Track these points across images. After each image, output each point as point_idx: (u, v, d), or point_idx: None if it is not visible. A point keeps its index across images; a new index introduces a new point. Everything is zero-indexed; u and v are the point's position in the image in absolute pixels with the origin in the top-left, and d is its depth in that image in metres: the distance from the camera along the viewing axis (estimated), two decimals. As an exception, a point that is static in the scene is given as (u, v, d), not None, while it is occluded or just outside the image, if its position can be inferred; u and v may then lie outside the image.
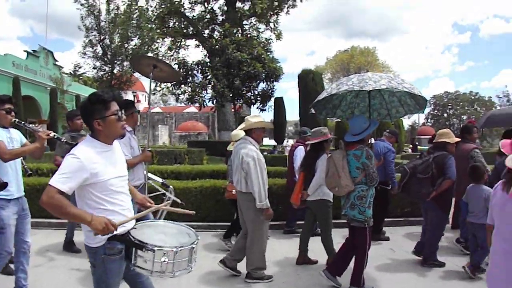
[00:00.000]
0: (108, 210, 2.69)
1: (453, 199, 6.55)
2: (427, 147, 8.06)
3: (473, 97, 66.79)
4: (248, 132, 5.20)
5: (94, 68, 30.37)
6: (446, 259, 5.92)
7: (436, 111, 68.90)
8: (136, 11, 27.77)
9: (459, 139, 6.26)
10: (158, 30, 28.40)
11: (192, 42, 31.82)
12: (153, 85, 5.72)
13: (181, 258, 2.66)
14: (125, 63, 29.17)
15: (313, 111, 6.05)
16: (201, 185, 8.07)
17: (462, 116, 66.31)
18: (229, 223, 6.87)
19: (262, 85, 25.16)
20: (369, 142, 5.48)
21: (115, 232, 2.61)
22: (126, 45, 28.68)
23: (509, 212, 2.71)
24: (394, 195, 6.94)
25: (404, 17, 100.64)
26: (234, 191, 5.60)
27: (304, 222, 6.16)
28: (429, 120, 68.89)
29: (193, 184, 8.08)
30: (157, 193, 6.59)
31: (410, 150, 31.50)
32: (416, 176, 5.67)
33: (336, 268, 5.01)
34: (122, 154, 3.03)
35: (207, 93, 24.66)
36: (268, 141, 36.83)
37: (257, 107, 25.79)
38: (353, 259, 4.91)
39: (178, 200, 6.43)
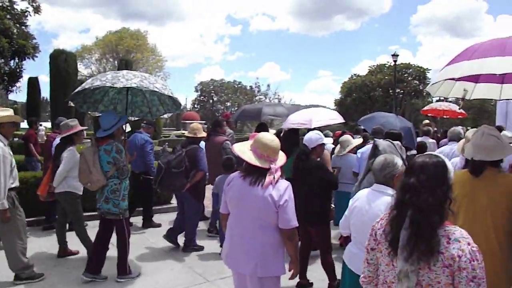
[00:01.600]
0: None
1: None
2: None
3: (236, 86, 72.69)
4: (-4, 126, 5.05)
5: None
6: (204, 243, 6.84)
7: (202, 97, 72.90)
8: None
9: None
10: None
11: None
12: None
13: None
14: None
15: (72, 104, 6.15)
16: None
17: (226, 103, 71.72)
18: None
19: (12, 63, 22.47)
20: (125, 136, 5.89)
21: None
22: None
23: (249, 199, 3.25)
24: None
25: (182, 3, 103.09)
26: None
27: (57, 215, 6.38)
28: (195, 106, 72.52)
29: None
30: None
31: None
32: (171, 170, 6.19)
33: (94, 267, 5.31)
34: None
35: None
36: (23, 125, 33.73)
37: (3, 88, 23.13)
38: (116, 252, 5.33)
39: None
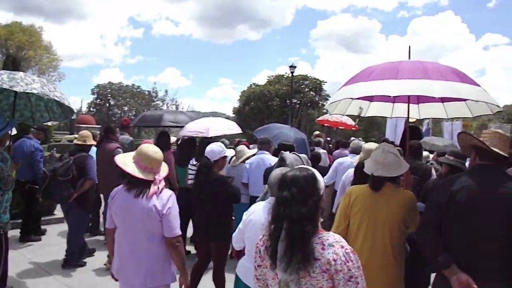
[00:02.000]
0: None
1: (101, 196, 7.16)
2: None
3: (135, 90, 70.91)
4: None
5: None
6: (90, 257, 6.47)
7: (99, 100, 70.27)
8: None
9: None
10: None
11: None
12: None
13: None
14: None
15: None
16: None
17: (124, 107, 69.70)
18: None
19: None
20: (10, 141, 5.47)
21: None
22: None
23: (134, 212, 3.19)
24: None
25: (83, 1, 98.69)
26: None
27: None
28: (91, 109, 69.70)
29: None
30: None
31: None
32: (57, 178, 5.80)
33: None
34: None
35: None
36: None
37: None
38: None
39: None
